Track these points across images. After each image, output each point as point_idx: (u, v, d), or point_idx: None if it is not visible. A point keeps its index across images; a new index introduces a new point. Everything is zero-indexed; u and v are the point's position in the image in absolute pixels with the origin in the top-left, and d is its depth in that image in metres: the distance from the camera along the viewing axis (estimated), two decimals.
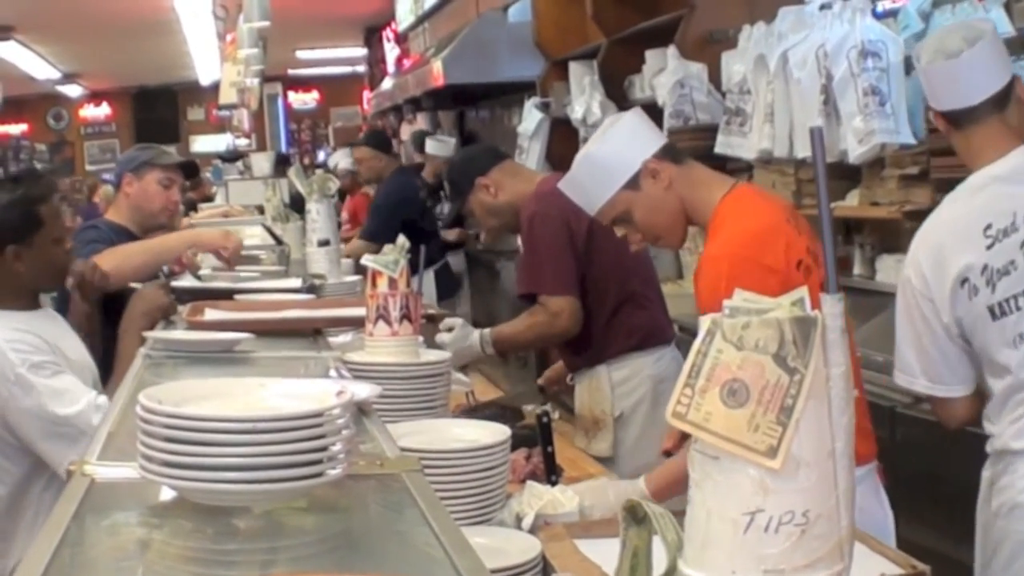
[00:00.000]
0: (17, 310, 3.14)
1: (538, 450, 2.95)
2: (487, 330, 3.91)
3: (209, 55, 15.80)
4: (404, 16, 13.31)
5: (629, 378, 3.85)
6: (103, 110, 22.36)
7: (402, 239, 2.87)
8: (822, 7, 4.87)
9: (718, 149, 5.50)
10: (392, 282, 2.78)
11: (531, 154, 7.78)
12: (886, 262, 4.85)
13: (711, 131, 5.62)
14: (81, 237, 4.11)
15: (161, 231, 4.42)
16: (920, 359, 2.82)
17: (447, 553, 1.43)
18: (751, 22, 5.43)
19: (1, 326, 3.06)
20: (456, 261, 9.47)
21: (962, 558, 3.33)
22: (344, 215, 9.25)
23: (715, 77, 5.87)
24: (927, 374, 2.83)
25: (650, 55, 6.49)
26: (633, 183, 2.79)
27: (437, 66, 9.23)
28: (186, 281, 4.16)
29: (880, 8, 4.95)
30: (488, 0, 9.72)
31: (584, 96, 7.08)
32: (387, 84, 13.16)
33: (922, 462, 3.76)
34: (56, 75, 18.44)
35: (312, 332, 3.11)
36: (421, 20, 12.46)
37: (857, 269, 5.05)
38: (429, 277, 7.28)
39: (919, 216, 4.40)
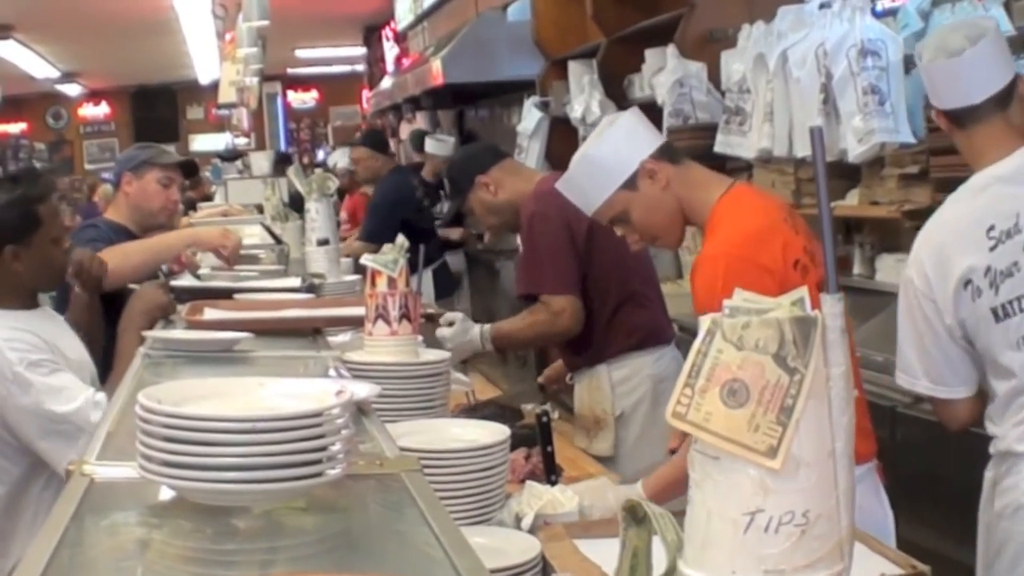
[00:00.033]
0: (15, 309, 3.14)
1: (537, 450, 2.95)
2: (487, 326, 3.90)
3: (208, 54, 15.80)
4: (403, 15, 13.31)
5: (629, 377, 3.85)
6: (102, 109, 22.36)
7: (401, 238, 2.87)
8: (821, 6, 4.87)
9: (717, 148, 5.50)
10: (391, 281, 2.78)
11: (530, 153, 7.78)
12: (886, 261, 4.85)
13: (711, 130, 5.62)
14: (80, 236, 4.11)
15: (160, 230, 4.41)
16: (922, 360, 2.81)
17: (446, 553, 1.43)
18: (750, 21, 5.43)
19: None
20: (455, 260, 9.47)
21: (962, 558, 3.33)
22: (343, 215, 9.25)
23: (714, 76, 5.87)
24: (929, 375, 2.81)
25: (649, 54, 6.49)
26: (631, 183, 2.79)
27: (436, 65, 9.23)
28: (185, 280, 4.16)
29: (879, 7, 4.94)
30: None
31: (583, 95, 7.08)
32: (386, 83, 13.16)
33: (922, 462, 3.76)
34: (55, 74, 18.44)
35: (311, 331, 3.11)
36: (420, 19, 12.45)
37: (857, 269, 5.05)
38: (427, 276, 7.28)
39: (919, 215, 4.40)
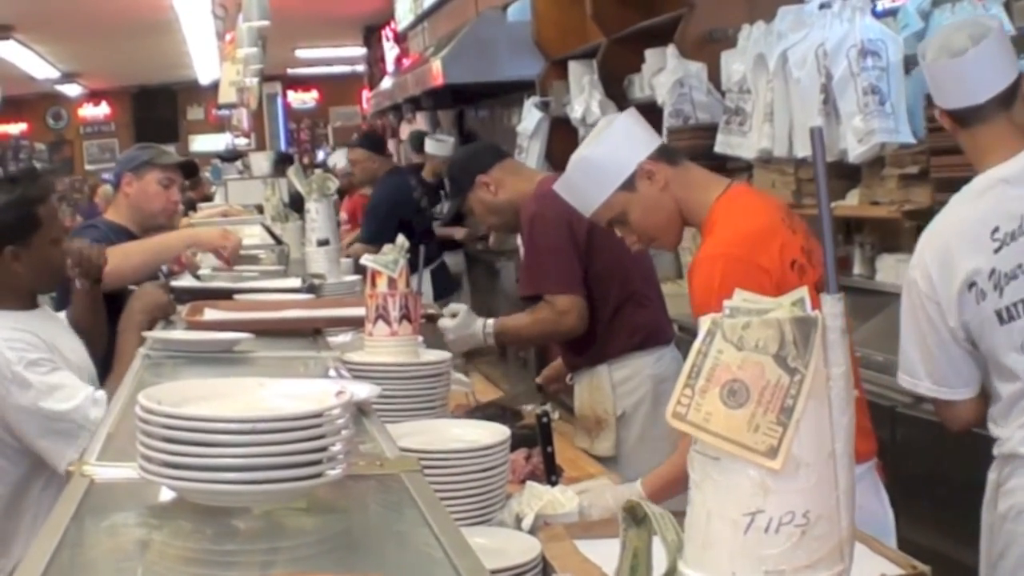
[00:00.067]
0: (15, 310, 3.14)
1: (538, 450, 2.95)
2: (491, 320, 3.89)
3: (208, 54, 15.80)
4: (403, 15, 13.31)
5: (630, 378, 3.85)
6: (102, 109, 22.35)
7: (401, 239, 2.87)
8: (821, 6, 4.87)
9: (718, 148, 5.50)
10: (391, 282, 2.78)
11: (530, 153, 7.78)
12: (886, 261, 4.85)
13: (711, 130, 5.62)
14: (80, 237, 4.10)
15: (160, 231, 4.42)
16: (925, 361, 2.80)
17: (447, 554, 1.43)
18: (750, 21, 5.43)
19: None
20: (455, 261, 9.47)
21: (962, 558, 3.33)
22: (343, 215, 9.25)
23: (715, 76, 5.87)
24: (932, 376, 2.80)
25: (650, 54, 6.49)
26: (629, 184, 2.79)
27: (436, 65, 9.23)
28: (185, 281, 4.16)
29: (879, 7, 4.95)
30: None
31: (584, 95, 7.08)
32: (386, 83, 13.16)
33: (923, 462, 3.76)
34: (55, 74, 18.43)
35: (311, 332, 3.11)
36: (420, 19, 12.45)
37: (857, 269, 5.05)
38: (425, 276, 7.28)
39: (919, 215, 4.41)
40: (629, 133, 2.83)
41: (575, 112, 7.17)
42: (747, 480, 1.28)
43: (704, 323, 1.32)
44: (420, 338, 2.86)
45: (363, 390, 2.16)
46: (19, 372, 2.98)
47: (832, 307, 1.32)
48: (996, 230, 2.69)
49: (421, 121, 11.93)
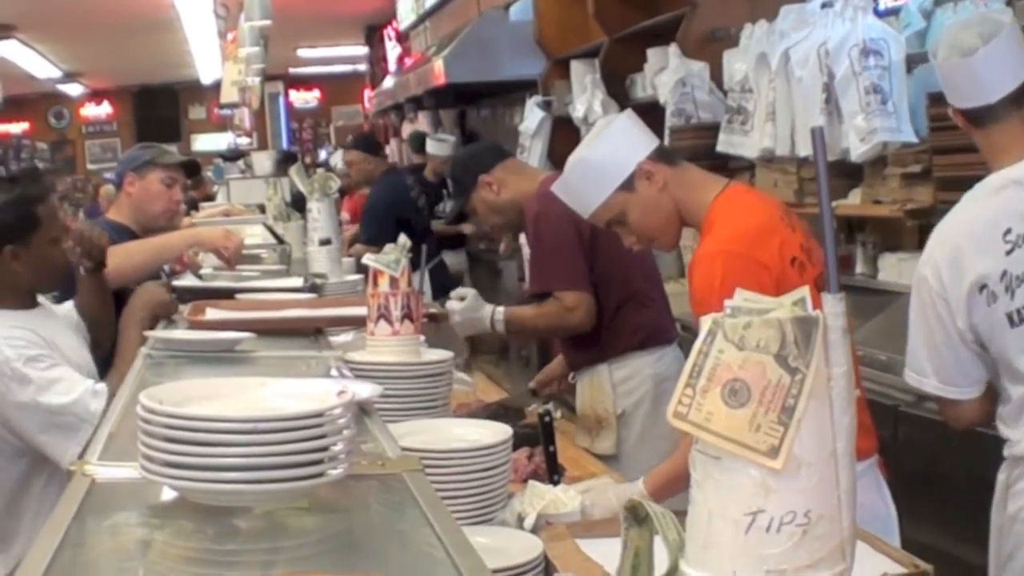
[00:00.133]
0: (15, 309, 3.14)
1: (540, 449, 2.95)
2: (500, 308, 3.89)
3: (210, 54, 15.80)
4: (405, 15, 13.31)
5: (630, 377, 3.85)
6: (104, 109, 22.36)
7: (403, 238, 2.87)
8: (824, 5, 4.86)
9: (720, 148, 5.50)
10: (393, 281, 2.78)
11: (533, 153, 7.78)
12: (888, 261, 4.84)
13: (713, 130, 5.62)
14: None
15: (162, 230, 4.42)
16: (932, 359, 2.77)
17: (448, 553, 1.43)
18: (753, 20, 5.43)
19: None
20: (457, 260, 9.47)
21: (965, 557, 3.33)
22: (344, 215, 9.26)
23: (717, 76, 5.87)
24: (939, 375, 2.78)
25: (652, 54, 6.49)
26: (628, 185, 2.79)
27: (438, 65, 9.23)
28: (187, 280, 4.16)
29: (882, 6, 4.94)
30: None
31: (586, 95, 7.08)
32: (388, 83, 13.16)
33: (925, 461, 3.75)
34: (57, 74, 18.44)
35: (313, 331, 3.11)
36: (422, 19, 12.45)
37: (859, 268, 5.04)
38: (425, 275, 7.28)
39: (921, 215, 4.41)
40: (627, 134, 2.83)
41: (577, 111, 7.17)
42: (748, 480, 1.28)
43: (705, 323, 1.32)
44: (422, 337, 2.86)
45: (365, 389, 2.16)
46: (18, 369, 2.98)
47: (833, 307, 1.32)
48: (1008, 232, 2.66)
49: (423, 121, 11.93)
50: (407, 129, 12.12)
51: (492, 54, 9.02)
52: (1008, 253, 2.66)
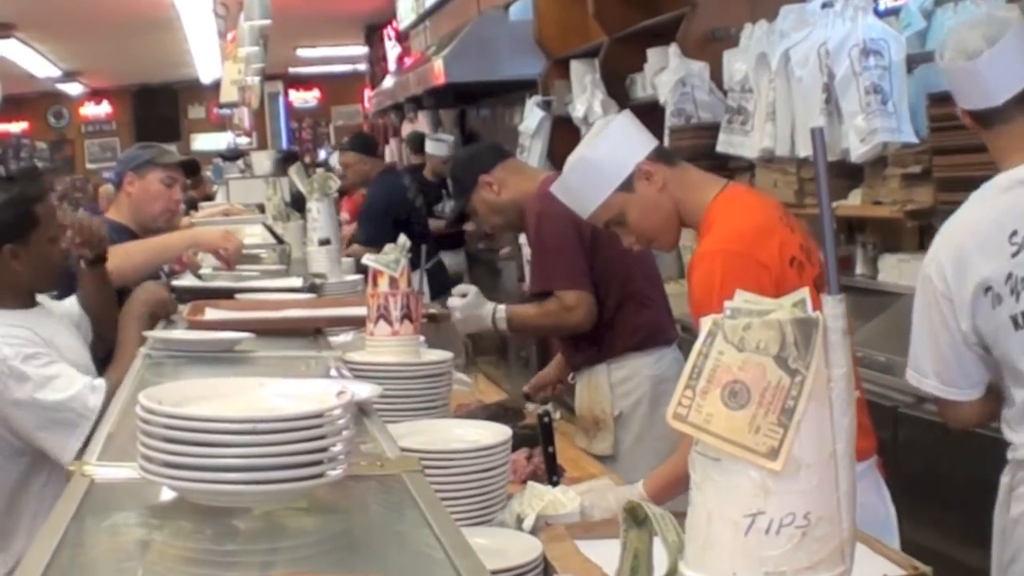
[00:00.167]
0: (13, 308, 3.14)
1: (539, 450, 2.95)
2: (502, 306, 3.90)
3: (210, 53, 15.79)
4: (405, 14, 13.31)
5: (629, 378, 3.85)
6: (103, 108, 22.36)
7: (403, 238, 2.87)
8: (824, 5, 4.86)
9: (720, 148, 5.50)
10: (393, 281, 2.78)
11: (532, 153, 7.78)
12: (888, 261, 4.84)
13: (713, 130, 5.61)
14: None
15: (162, 230, 4.42)
16: (934, 360, 2.76)
17: (447, 554, 1.43)
18: (753, 20, 5.43)
19: None
20: (456, 260, 9.47)
21: (964, 558, 3.33)
22: (344, 214, 9.26)
23: (717, 75, 5.87)
24: (940, 376, 2.76)
25: (652, 53, 6.49)
26: (627, 185, 2.79)
27: (438, 64, 9.23)
28: (187, 280, 4.16)
29: (882, 6, 4.94)
30: None
31: (586, 95, 7.08)
32: (388, 82, 13.16)
33: (924, 462, 3.75)
34: (56, 73, 18.43)
35: (313, 332, 3.11)
36: (422, 18, 12.45)
37: (859, 269, 5.05)
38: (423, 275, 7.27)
39: (921, 215, 4.40)
40: (626, 134, 2.83)
41: (577, 111, 7.17)
42: (748, 481, 1.28)
43: (705, 324, 1.32)
44: (421, 338, 2.85)
45: (364, 390, 2.16)
46: (16, 366, 2.98)
47: (833, 308, 1.32)
48: (1015, 234, 2.64)
49: (423, 120, 11.93)
50: (407, 129, 12.12)
51: (492, 54, 9.02)
52: (1014, 255, 2.64)
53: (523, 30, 8.45)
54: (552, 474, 2.87)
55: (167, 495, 1.60)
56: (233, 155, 15.93)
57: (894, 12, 4.80)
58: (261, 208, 7.63)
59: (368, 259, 2.83)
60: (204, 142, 21.34)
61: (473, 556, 1.42)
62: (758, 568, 1.28)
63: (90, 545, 1.49)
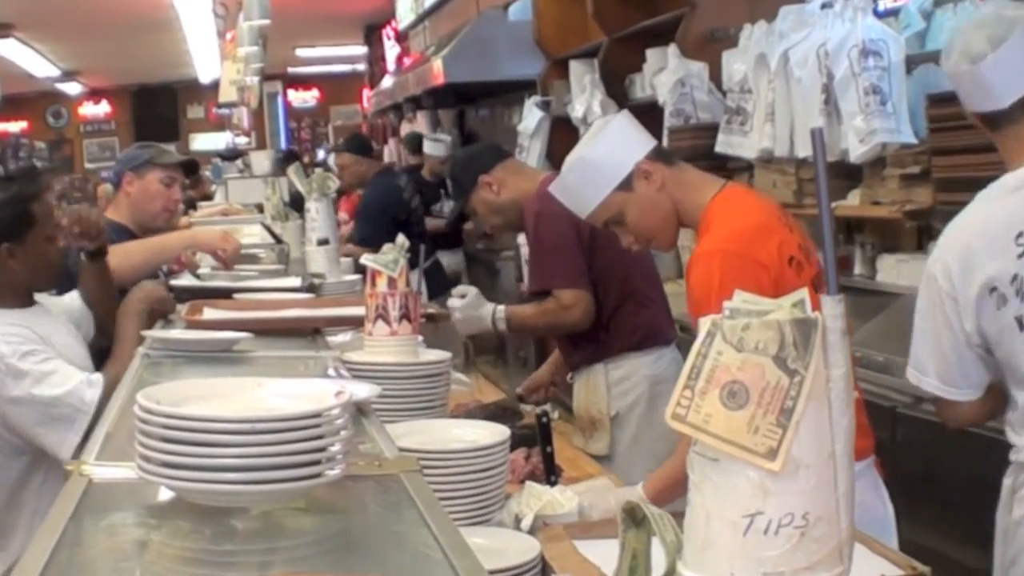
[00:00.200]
0: (11, 308, 3.14)
1: (537, 450, 2.95)
2: (501, 306, 3.90)
3: (209, 53, 15.79)
4: (404, 14, 13.31)
5: (626, 377, 3.85)
6: (102, 108, 22.36)
7: (401, 238, 2.87)
8: (823, 6, 4.86)
9: (719, 148, 5.49)
10: (391, 281, 2.77)
11: (531, 153, 7.78)
12: (887, 262, 4.84)
13: (712, 130, 5.61)
14: None
15: (161, 230, 4.42)
16: (935, 359, 2.74)
17: (445, 554, 1.43)
18: (752, 21, 5.43)
19: None
20: (455, 260, 9.47)
21: (963, 559, 3.33)
22: (343, 215, 9.26)
23: (716, 76, 5.87)
24: (940, 376, 2.75)
25: (651, 54, 6.49)
26: (626, 184, 2.79)
27: (437, 64, 9.23)
28: (185, 280, 4.16)
29: (881, 7, 4.94)
30: None
31: (585, 95, 7.08)
32: (387, 82, 13.15)
33: (923, 462, 3.75)
34: (55, 73, 18.43)
35: (311, 331, 3.10)
36: (421, 18, 12.45)
37: (858, 269, 5.05)
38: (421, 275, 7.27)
39: (920, 216, 4.40)
40: (625, 134, 2.83)
41: (576, 112, 7.16)
42: (746, 481, 1.28)
43: (704, 324, 1.32)
44: (420, 338, 2.85)
45: (362, 390, 2.16)
46: (13, 364, 2.98)
47: (832, 308, 1.32)
48: (1021, 235, 2.61)
49: (422, 120, 11.93)
50: (406, 129, 12.12)
51: (491, 54, 9.02)
52: (1020, 256, 2.61)
53: (522, 30, 8.45)
54: (550, 474, 2.87)
55: (165, 495, 1.59)
56: (232, 155, 15.93)
57: (893, 13, 4.80)
58: (260, 208, 7.63)
59: (366, 259, 2.83)
60: (203, 142, 21.33)
61: (471, 556, 1.42)
62: (756, 568, 1.28)
63: (88, 545, 1.49)
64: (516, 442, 2.75)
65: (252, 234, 5.81)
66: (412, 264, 2.89)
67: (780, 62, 5.00)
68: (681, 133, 5.86)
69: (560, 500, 2.51)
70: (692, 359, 1.31)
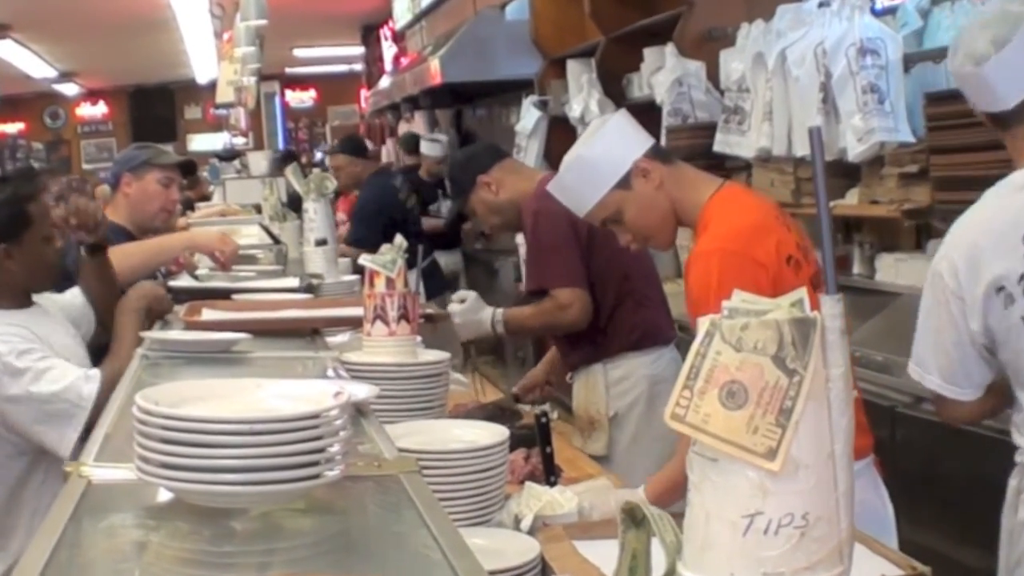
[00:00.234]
0: (9, 309, 3.14)
1: (537, 451, 2.95)
2: (499, 310, 3.91)
3: (206, 53, 15.79)
4: (401, 14, 13.30)
5: (625, 377, 3.85)
6: (100, 109, 22.35)
7: (399, 238, 2.87)
8: (820, 5, 4.86)
9: (717, 147, 5.49)
10: (390, 282, 2.77)
11: (529, 153, 7.78)
12: (885, 261, 4.84)
13: (710, 129, 5.61)
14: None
15: (159, 231, 4.42)
16: (938, 357, 2.73)
17: (445, 555, 1.43)
18: (749, 20, 5.43)
19: None
20: (453, 260, 9.47)
21: (962, 558, 3.33)
22: (340, 215, 9.26)
23: (713, 75, 5.87)
24: (942, 373, 2.73)
25: (648, 53, 6.49)
26: (624, 183, 2.78)
27: (435, 64, 9.23)
28: (183, 281, 4.16)
29: (879, 5, 4.94)
30: None
31: (582, 94, 7.07)
32: (384, 82, 13.15)
33: (922, 462, 3.75)
34: (53, 73, 18.42)
35: (309, 332, 3.10)
36: (418, 18, 12.45)
37: (856, 268, 5.05)
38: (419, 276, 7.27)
39: (918, 215, 4.40)
40: (623, 132, 2.83)
41: (574, 111, 7.16)
42: (746, 482, 1.28)
43: (703, 324, 1.31)
44: (418, 338, 2.85)
45: (361, 390, 2.15)
46: (10, 362, 2.98)
47: (831, 308, 1.32)
48: None
49: (419, 120, 11.93)
50: (403, 128, 12.11)
51: (488, 53, 9.01)
52: None
53: (519, 30, 8.44)
54: (550, 474, 2.87)
55: (164, 496, 1.59)
56: (229, 155, 15.92)
57: (891, 11, 4.80)
58: (258, 208, 7.62)
59: (364, 259, 2.83)
60: (200, 142, 21.32)
61: (471, 556, 1.42)
62: (756, 568, 1.28)
63: (87, 546, 1.49)
64: (515, 442, 2.75)
65: (250, 235, 5.81)
66: (409, 264, 2.88)
67: (778, 61, 5.00)
68: (679, 132, 5.86)
69: (560, 500, 2.50)
70: (691, 359, 1.31)
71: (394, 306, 2.74)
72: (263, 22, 8.75)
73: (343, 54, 18.78)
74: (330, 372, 2.56)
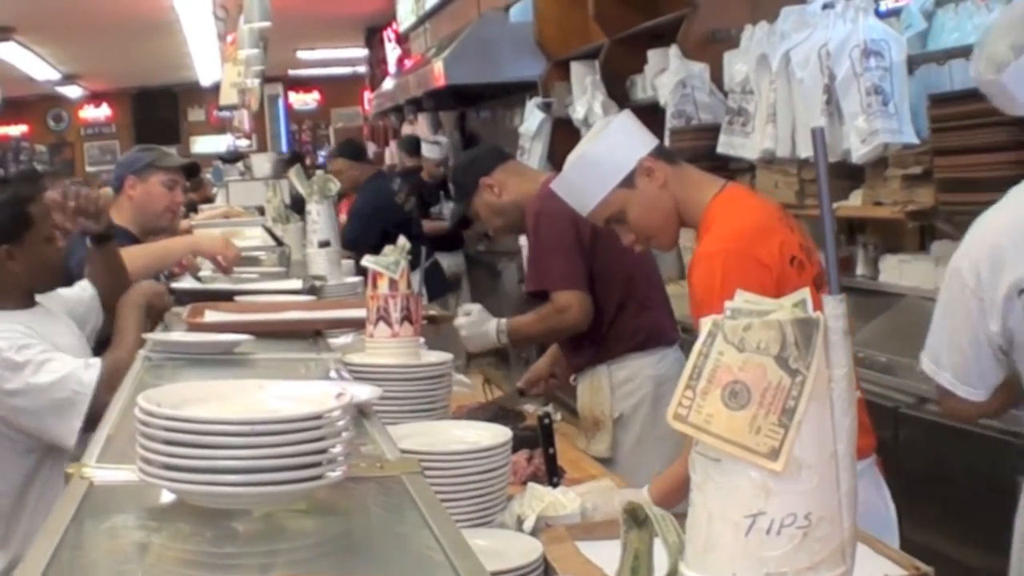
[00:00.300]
0: (12, 309, 3.15)
1: (540, 451, 2.95)
2: (503, 320, 3.91)
3: (209, 56, 15.81)
4: (405, 16, 13.31)
5: (630, 379, 3.84)
6: (103, 111, 22.38)
7: (402, 240, 2.87)
8: (824, 6, 4.86)
9: (720, 149, 5.49)
10: (393, 283, 2.77)
11: (533, 154, 7.78)
12: (889, 262, 4.84)
13: (713, 131, 5.61)
14: (82, 240, 4.10)
15: (162, 233, 4.42)
16: (951, 354, 2.71)
17: (447, 556, 1.42)
18: (753, 22, 5.43)
19: None
20: (455, 262, 9.47)
21: (966, 559, 3.33)
22: (343, 217, 9.26)
23: (717, 77, 5.87)
24: (955, 372, 2.71)
25: (652, 55, 6.49)
26: (628, 181, 2.78)
27: (438, 66, 9.23)
28: (186, 282, 4.16)
29: (883, 7, 4.94)
30: (489, 0, 9.72)
31: (586, 96, 7.08)
32: (388, 84, 13.16)
33: (925, 463, 3.75)
34: (56, 76, 18.45)
35: (312, 334, 3.10)
36: (422, 20, 12.46)
37: (860, 269, 5.04)
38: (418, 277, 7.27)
39: (922, 216, 4.40)
40: (627, 132, 2.84)
41: (577, 113, 7.17)
42: (748, 482, 1.28)
43: (705, 324, 1.31)
44: (421, 339, 2.85)
45: (364, 392, 2.15)
46: (10, 357, 2.99)
47: (834, 308, 1.32)
48: None
49: (423, 122, 11.93)
50: (407, 131, 12.12)
51: (492, 55, 9.02)
52: None
53: (523, 32, 8.45)
54: (552, 475, 2.87)
55: (166, 497, 1.59)
56: (233, 157, 15.94)
57: (895, 13, 4.80)
58: (261, 210, 7.62)
59: (368, 261, 2.83)
60: (204, 145, 21.35)
61: (473, 557, 1.42)
62: (759, 569, 1.28)
63: (89, 547, 1.49)
64: (518, 443, 2.75)
65: (253, 236, 5.81)
66: (411, 266, 2.88)
67: (781, 63, 5.00)
68: (683, 134, 5.86)
69: (563, 501, 2.50)
70: (694, 359, 1.31)
71: (397, 307, 2.74)
72: (267, 24, 8.76)
73: (347, 56, 18.79)
74: (333, 373, 2.56)
